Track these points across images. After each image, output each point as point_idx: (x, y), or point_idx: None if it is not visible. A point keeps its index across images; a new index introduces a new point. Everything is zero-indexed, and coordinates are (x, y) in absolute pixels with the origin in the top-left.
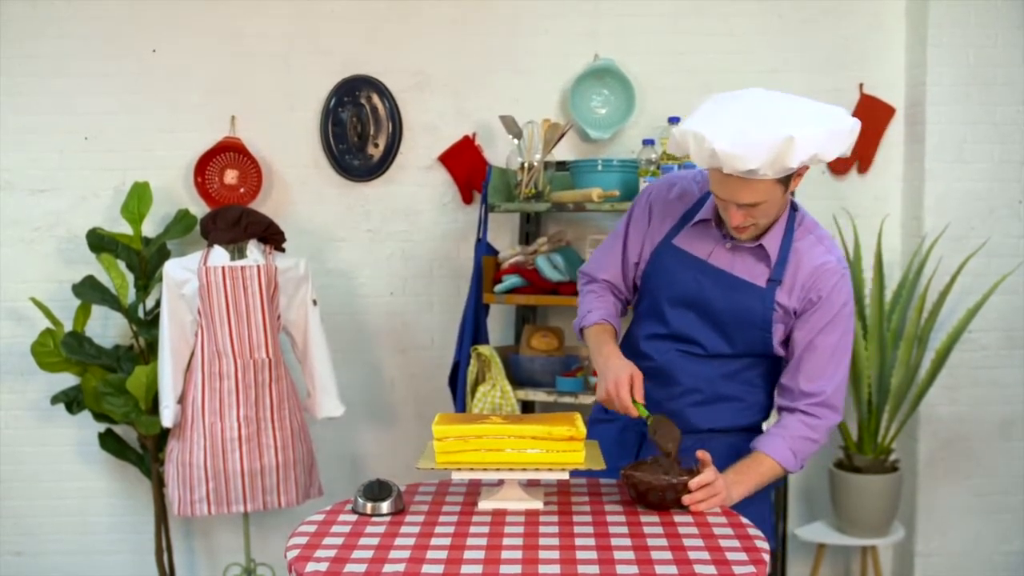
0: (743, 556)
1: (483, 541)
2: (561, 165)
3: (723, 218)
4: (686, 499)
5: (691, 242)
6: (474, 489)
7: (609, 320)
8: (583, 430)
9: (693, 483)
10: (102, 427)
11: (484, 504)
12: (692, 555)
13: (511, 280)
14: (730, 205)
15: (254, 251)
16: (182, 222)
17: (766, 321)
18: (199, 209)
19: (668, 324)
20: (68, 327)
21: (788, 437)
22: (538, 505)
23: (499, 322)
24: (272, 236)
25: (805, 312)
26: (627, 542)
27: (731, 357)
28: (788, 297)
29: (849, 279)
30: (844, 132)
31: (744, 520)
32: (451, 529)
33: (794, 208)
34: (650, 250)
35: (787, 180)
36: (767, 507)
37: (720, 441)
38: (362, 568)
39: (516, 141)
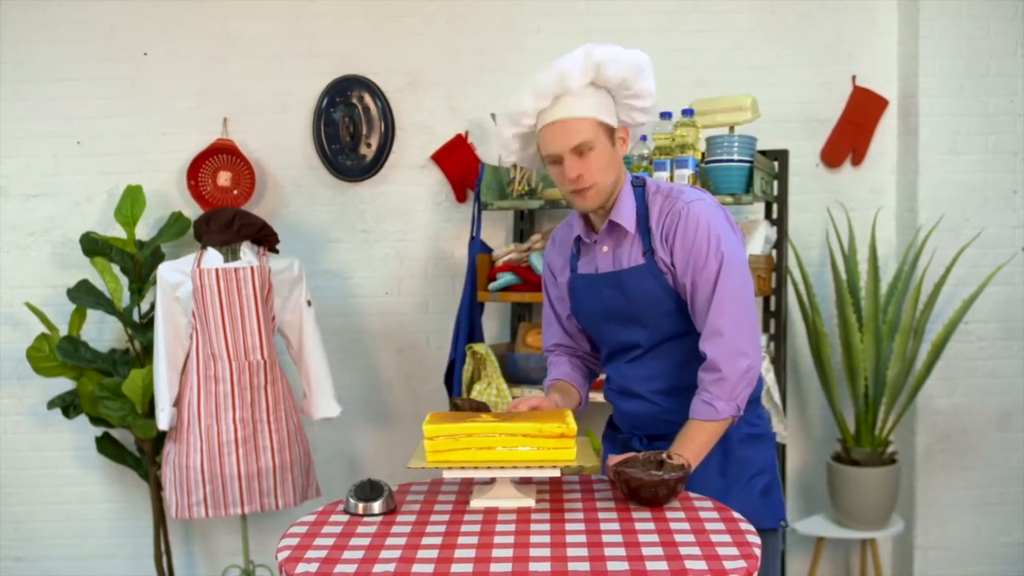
0: (734, 551)
1: (474, 540)
2: None
3: (562, 187)
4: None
5: (585, 265)
6: (466, 488)
7: (560, 378)
8: (574, 427)
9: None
10: (99, 431)
11: (476, 503)
12: (683, 551)
13: (505, 278)
14: (565, 158)
15: (248, 253)
16: (175, 225)
17: (666, 288)
18: (193, 212)
19: (607, 342)
20: (63, 331)
21: (702, 392)
22: (530, 503)
23: (494, 320)
24: (265, 237)
25: (672, 257)
26: (618, 539)
27: (670, 342)
28: (662, 253)
29: (698, 209)
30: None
31: (735, 515)
32: (442, 528)
33: (639, 184)
34: (567, 294)
35: (611, 135)
36: (754, 492)
37: None
38: (352, 569)
39: None
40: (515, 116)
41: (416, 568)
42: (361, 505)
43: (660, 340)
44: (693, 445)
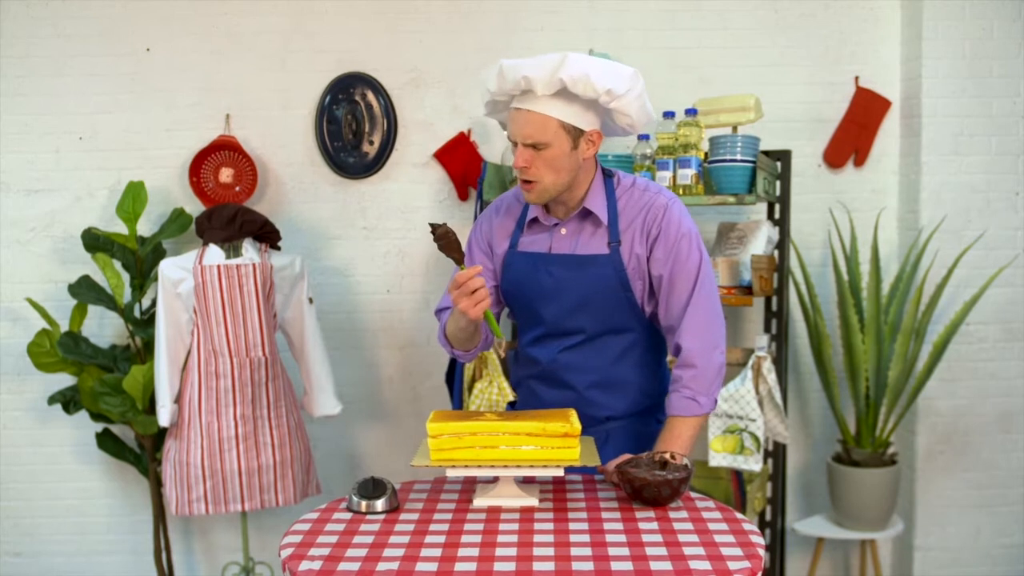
0: (738, 551)
1: (477, 539)
2: None
3: (514, 170)
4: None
5: (531, 244)
6: (469, 486)
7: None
8: (578, 426)
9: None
10: (99, 427)
11: (479, 501)
12: (687, 551)
13: None
14: (518, 146)
15: (249, 249)
16: (177, 221)
17: (624, 281)
18: (195, 208)
19: (545, 322)
20: (64, 327)
21: (682, 388)
22: (533, 502)
23: None
24: (267, 234)
25: (652, 250)
26: (622, 538)
27: (611, 335)
28: (632, 246)
29: (679, 207)
30: (621, 72)
31: (739, 515)
32: (445, 527)
33: (610, 175)
34: (500, 267)
35: (576, 137)
36: None
37: (621, 426)
38: (356, 567)
39: None
40: (494, 75)
41: (419, 567)
42: (364, 503)
43: (603, 331)
44: (681, 441)
